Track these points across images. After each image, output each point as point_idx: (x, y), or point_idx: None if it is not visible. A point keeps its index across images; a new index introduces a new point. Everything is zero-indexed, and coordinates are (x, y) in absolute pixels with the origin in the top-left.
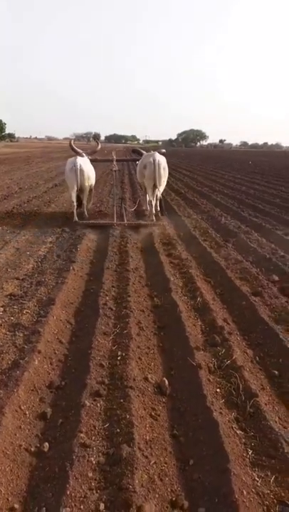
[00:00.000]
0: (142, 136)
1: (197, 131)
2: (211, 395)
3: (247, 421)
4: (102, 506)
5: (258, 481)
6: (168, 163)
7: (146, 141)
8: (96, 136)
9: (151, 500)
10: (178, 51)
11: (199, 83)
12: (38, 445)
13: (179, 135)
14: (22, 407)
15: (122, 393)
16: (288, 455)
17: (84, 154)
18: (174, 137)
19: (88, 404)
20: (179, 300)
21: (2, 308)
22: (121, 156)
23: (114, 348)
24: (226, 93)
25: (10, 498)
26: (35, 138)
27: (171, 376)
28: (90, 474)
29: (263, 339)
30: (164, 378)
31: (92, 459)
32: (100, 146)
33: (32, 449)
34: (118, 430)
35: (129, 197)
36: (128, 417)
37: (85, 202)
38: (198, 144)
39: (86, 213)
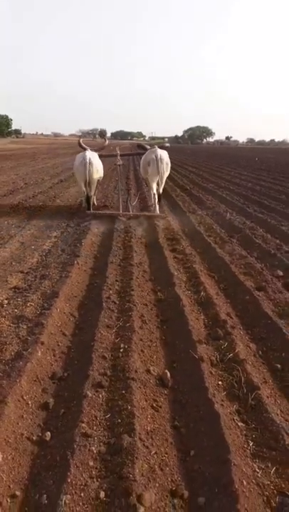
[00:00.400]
0: (148, 133)
1: (203, 127)
2: (213, 388)
3: (248, 413)
4: (102, 494)
5: (258, 472)
6: (173, 160)
7: (152, 138)
8: (102, 133)
9: (152, 489)
10: (182, 48)
11: (204, 81)
12: (40, 434)
13: (185, 132)
14: (24, 397)
15: (123, 384)
16: None
17: (92, 151)
18: (180, 134)
19: (90, 395)
20: (182, 294)
21: (6, 301)
22: (126, 152)
23: (116, 340)
24: (233, 89)
25: (11, 486)
26: (42, 134)
27: (174, 368)
28: (91, 463)
29: (266, 333)
30: (166, 370)
31: (94, 448)
32: (107, 142)
33: (34, 438)
34: (119, 420)
35: (134, 192)
36: (129, 407)
37: (93, 193)
38: (205, 140)
39: (95, 202)
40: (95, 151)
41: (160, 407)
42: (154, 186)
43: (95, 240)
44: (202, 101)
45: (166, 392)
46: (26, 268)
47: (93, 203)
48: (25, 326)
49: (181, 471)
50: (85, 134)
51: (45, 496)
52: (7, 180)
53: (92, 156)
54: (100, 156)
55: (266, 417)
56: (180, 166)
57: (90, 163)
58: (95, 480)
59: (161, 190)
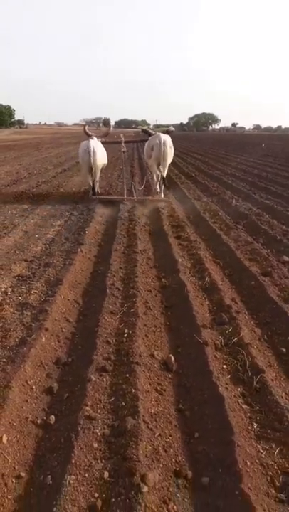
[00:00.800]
0: (152, 121)
1: (209, 114)
2: (217, 371)
3: (253, 396)
4: (106, 474)
5: (262, 453)
6: (179, 147)
7: (157, 126)
8: (106, 121)
9: (155, 469)
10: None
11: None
12: (45, 418)
13: (191, 119)
14: (29, 382)
15: (127, 369)
16: None
17: (95, 137)
18: (185, 121)
19: (94, 379)
20: (186, 280)
21: (10, 289)
22: (130, 139)
23: (121, 326)
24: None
25: (16, 467)
26: (45, 124)
27: (178, 353)
28: (95, 445)
29: (272, 318)
30: (171, 355)
31: (97, 430)
32: (111, 129)
33: (38, 422)
34: (123, 404)
35: (138, 180)
36: (133, 391)
37: (97, 179)
38: (210, 127)
39: (98, 190)
40: (99, 137)
41: (164, 390)
42: (157, 170)
43: (98, 228)
44: (207, 89)
45: (170, 376)
46: (30, 256)
47: (97, 191)
48: (29, 313)
49: (186, 452)
50: (89, 123)
51: (49, 476)
52: (10, 170)
53: (96, 144)
54: (104, 143)
55: (270, 400)
56: (185, 154)
57: (94, 151)
58: (99, 461)
59: (164, 174)
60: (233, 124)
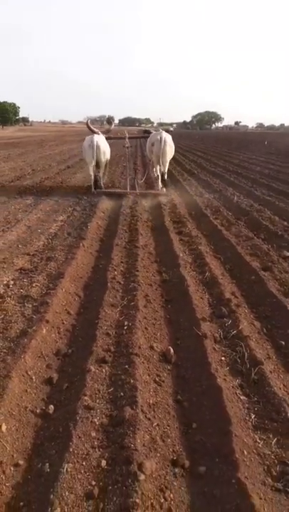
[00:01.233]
0: (155, 119)
1: (212, 113)
2: (216, 363)
3: (251, 387)
4: (103, 463)
5: (259, 443)
6: (181, 145)
7: (160, 124)
8: (110, 119)
9: (153, 458)
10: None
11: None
12: (44, 407)
13: (194, 117)
14: (29, 373)
15: (127, 360)
16: None
17: (100, 132)
18: (188, 119)
19: (93, 369)
20: (187, 275)
21: (12, 282)
22: (134, 136)
23: (121, 318)
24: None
25: (15, 455)
26: (49, 122)
27: (177, 345)
28: (93, 434)
29: (271, 311)
30: (170, 347)
31: (96, 420)
32: (113, 126)
33: (37, 411)
34: (122, 394)
35: (140, 177)
36: (132, 381)
37: (101, 174)
38: (214, 126)
39: (102, 185)
40: (103, 133)
41: (163, 381)
42: (158, 166)
43: (101, 224)
44: (211, 86)
45: (169, 367)
46: (32, 250)
47: (100, 186)
48: (30, 305)
49: (183, 442)
50: (93, 121)
51: (47, 464)
52: (15, 166)
53: (100, 139)
54: (109, 139)
55: (268, 391)
56: (188, 151)
57: (98, 146)
58: (96, 450)
59: (165, 170)
60: (236, 123)
